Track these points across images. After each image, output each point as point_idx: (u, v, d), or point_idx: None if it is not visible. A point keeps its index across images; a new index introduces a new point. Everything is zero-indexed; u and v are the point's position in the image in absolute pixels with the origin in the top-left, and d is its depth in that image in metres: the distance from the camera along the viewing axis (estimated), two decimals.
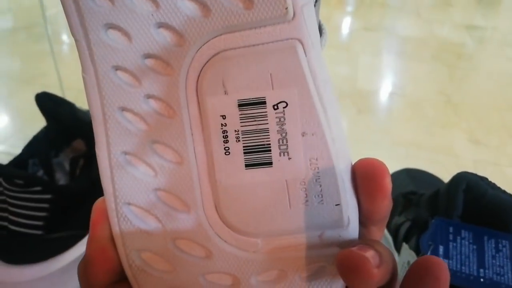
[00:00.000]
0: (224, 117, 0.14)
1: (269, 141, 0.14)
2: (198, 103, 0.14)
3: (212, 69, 0.14)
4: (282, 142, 0.14)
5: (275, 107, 0.14)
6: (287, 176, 0.14)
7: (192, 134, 0.14)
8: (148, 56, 0.14)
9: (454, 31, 2.87)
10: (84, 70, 0.15)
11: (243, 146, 0.14)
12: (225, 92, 0.14)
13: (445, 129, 1.80)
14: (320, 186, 0.14)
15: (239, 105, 0.14)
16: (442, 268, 0.14)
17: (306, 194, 0.14)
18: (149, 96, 0.14)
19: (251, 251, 0.15)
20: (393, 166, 0.49)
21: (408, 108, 1.98)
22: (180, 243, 0.15)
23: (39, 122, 0.42)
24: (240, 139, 0.14)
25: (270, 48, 0.14)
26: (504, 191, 0.28)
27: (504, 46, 2.65)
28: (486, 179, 0.29)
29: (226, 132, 0.14)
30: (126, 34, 0.14)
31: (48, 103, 0.36)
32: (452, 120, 1.88)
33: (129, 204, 0.15)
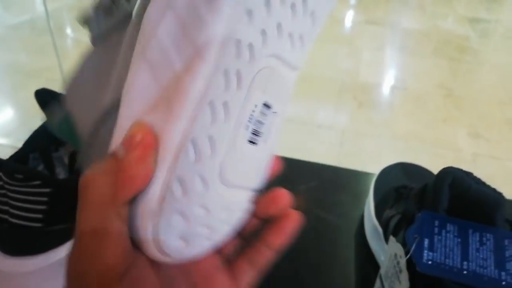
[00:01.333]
0: None
1: None
2: None
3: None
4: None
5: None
6: None
7: None
8: None
9: (457, 24, 2.84)
10: None
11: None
12: None
13: (446, 123, 1.80)
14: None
15: None
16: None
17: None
18: None
19: None
20: (393, 159, 0.50)
21: (409, 102, 1.98)
22: None
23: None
24: None
25: None
26: (488, 186, 0.29)
27: (508, 39, 2.62)
28: (471, 174, 0.29)
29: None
30: None
31: (47, 99, 0.37)
32: (453, 114, 1.88)
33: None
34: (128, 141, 0.18)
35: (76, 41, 2.36)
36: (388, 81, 2.02)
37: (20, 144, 0.39)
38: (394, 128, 1.63)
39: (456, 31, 2.65)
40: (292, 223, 0.21)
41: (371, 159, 1.43)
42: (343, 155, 1.47)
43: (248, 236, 0.22)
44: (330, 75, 2.04)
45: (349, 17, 2.86)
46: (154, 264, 0.20)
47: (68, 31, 2.70)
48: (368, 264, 0.41)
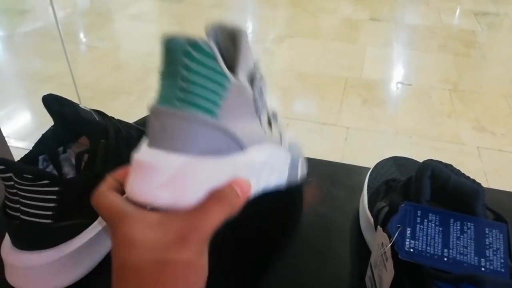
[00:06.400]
0: None
1: None
2: None
3: None
4: None
5: None
6: None
7: None
8: None
9: (463, 19, 2.82)
10: None
11: None
12: None
13: (451, 117, 1.80)
14: None
15: None
16: None
17: None
18: None
19: None
20: (398, 154, 0.52)
21: (414, 98, 1.98)
22: None
23: None
24: None
25: None
26: (467, 177, 0.30)
27: None
28: (451, 165, 0.31)
29: None
30: None
31: (53, 103, 0.39)
32: (458, 108, 1.87)
33: None
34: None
35: (88, 47, 2.40)
36: (393, 77, 2.02)
37: None
38: (398, 124, 1.63)
39: (462, 25, 2.63)
40: None
41: (375, 155, 1.44)
42: (348, 152, 1.48)
43: None
44: (334, 72, 2.05)
45: (354, 14, 2.87)
46: None
47: (81, 36, 2.75)
48: (362, 256, 0.42)
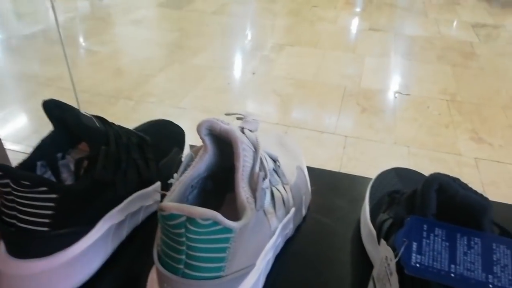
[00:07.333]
0: None
1: None
2: None
3: None
4: None
5: None
6: None
7: None
8: None
9: (461, 30, 2.83)
10: None
11: None
12: None
13: (448, 128, 1.80)
14: None
15: None
16: None
17: None
18: None
19: None
20: (396, 165, 0.51)
21: (412, 108, 1.98)
22: None
23: None
24: None
25: None
26: (475, 192, 0.30)
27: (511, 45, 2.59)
28: (458, 179, 0.30)
29: None
30: None
31: (54, 109, 0.39)
32: (456, 119, 1.88)
33: None
34: None
35: (88, 51, 2.39)
36: (391, 87, 2.03)
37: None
38: (396, 133, 1.63)
39: (460, 37, 2.65)
40: None
41: (373, 164, 1.44)
42: (346, 160, 1.48)
43: None
44: (333, 81, 2.05)
45: (353, 24, 2.88)
46: None
47: (79, 41, 2.75)
48: (363, 267, 0.42)
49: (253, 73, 2.13)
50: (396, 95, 1.96)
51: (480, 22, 2.87)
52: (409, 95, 1.95)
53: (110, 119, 0.45)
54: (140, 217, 0.47)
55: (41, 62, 2.37)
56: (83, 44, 2.66)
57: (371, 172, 0.50)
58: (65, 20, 2.73)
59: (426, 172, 0.48)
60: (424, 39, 2.56)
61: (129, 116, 1.73)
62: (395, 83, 2.09)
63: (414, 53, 2.39)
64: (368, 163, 1.46)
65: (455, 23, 2.88)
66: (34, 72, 2.21)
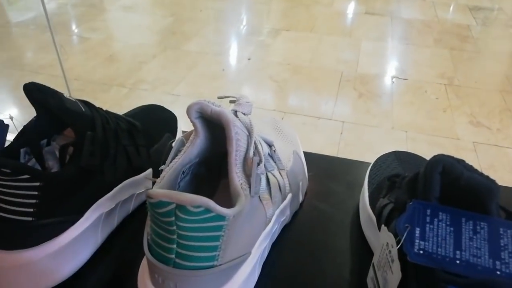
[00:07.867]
0: None
1: None
2: None
3: None
4: None
5: None
6: None
7: None
8: None
9: (458, 14, 2.81)
10: None
11: None
12: None
13: (446, 112, 1.79)
14: None
15: None
16: None
17: None
18: None
19: None
20: (393, 149, 0.50)
21: (410, 92, 1.96)
22: None
23: None
24: None
25: None
26: (481, 173, 0.28)
27: (509, 28, 2.59)
28: (463, 161, 0.29)
29: None
30: None
31: (35, 92, 0.37)
32: (454, 103, 1.86)
33: None
34: None
35: (80, 38, 2.35)
36: (388, 71, 2.00)
37: None
38: (394, 118, 1.62)
39: (457, 20, 2.62)
40: None
41: (371, 149, 1.43)
42: (343, 146, 1.46)
43: None
44: (330, 66, 2.02)
45: (350, 8, 2.84)
46: None
47: (73, 27, 2.70)
48: (363, 253, 0.40)
49: (249, 59, 2.10)
50: (394, 79, 1.94)
51: (477, 5, 2.83)
52: (406, 79, 1.93)
53: (103, 106, 0.43)
54: (132, 205, 0.45)
55: (32, 49, 2.32)
56: (75, 30, 2.61)
57: (369, 157, 0.49)
58: (56, 7, 2.67)
59: (425, 157, 0.47)
60: (421, 23, 2.52)
61: (122, 103, 1.70)
62: (392, 67, 2.07)
63: (411, 37, 2.36)
64: (365, 148, 1.44)
65: (452, 6, 2.84)
66: (25, 60, 2.17)
